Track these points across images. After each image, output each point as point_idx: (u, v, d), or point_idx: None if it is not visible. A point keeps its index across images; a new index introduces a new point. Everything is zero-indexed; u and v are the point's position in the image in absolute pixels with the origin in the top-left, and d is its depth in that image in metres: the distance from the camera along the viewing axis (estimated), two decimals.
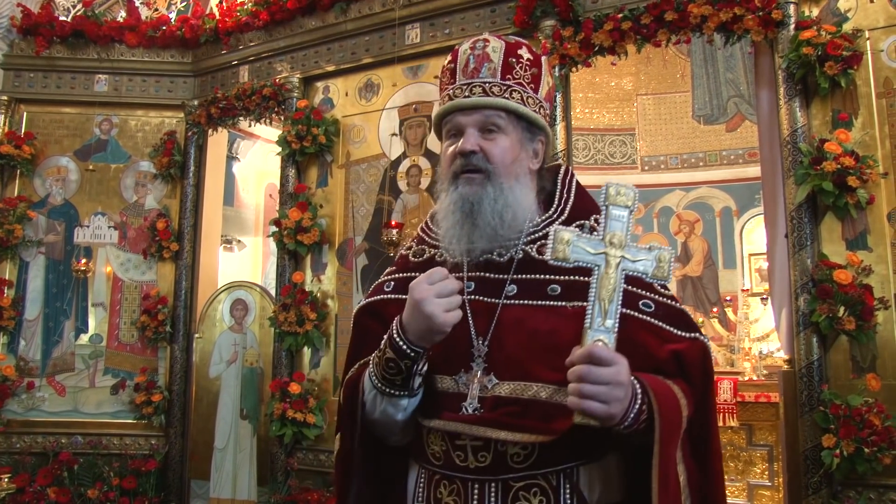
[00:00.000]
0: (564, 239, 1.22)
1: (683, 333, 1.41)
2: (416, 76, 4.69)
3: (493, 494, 1.35)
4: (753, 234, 7.29)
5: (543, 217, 1.50)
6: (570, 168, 1.65)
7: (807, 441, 3.32)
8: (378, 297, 1.59)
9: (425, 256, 1.57)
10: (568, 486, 1.34)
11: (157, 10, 5.98)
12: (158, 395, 5.10)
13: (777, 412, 4.31)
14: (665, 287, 1.43)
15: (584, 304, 1.23)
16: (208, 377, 5.07)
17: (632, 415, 1.22)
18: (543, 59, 1.56)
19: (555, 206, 1.52)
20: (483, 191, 1.41)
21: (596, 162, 7.69)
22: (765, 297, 6.15)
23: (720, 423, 4.96)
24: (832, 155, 3.34)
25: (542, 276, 1.43)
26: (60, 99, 5.57)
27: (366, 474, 1.49)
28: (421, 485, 1.47)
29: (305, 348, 4.72)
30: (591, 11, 4.00)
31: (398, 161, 4.67)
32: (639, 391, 1.24)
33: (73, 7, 5.86)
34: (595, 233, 1.26)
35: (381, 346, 1.39)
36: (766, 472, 5.13)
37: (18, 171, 5.38)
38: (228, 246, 6.77)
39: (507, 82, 1.46)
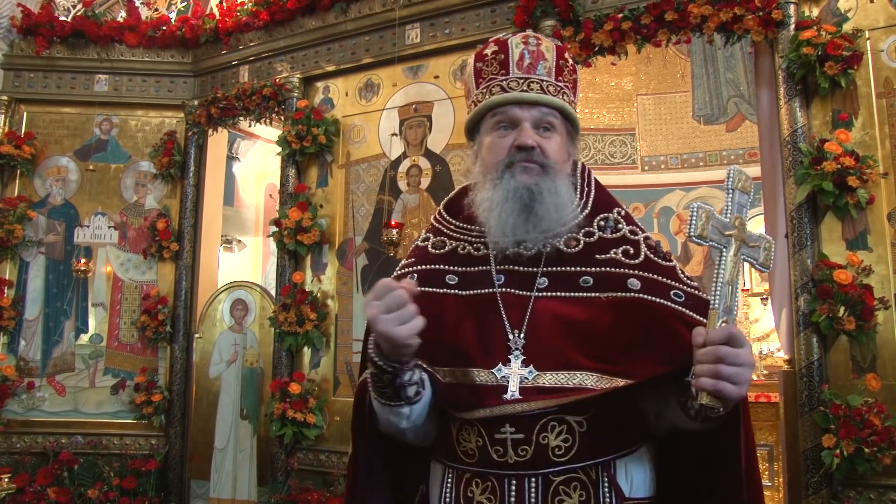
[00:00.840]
0: (705, 216, 1.20)
1: None
2: (416, 76, 4.69)
3: (533, 490, 1.32)
4: None
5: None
6: (584, 163, 1.66)
7: (807, 441, 3.32)
8: None
9: (446, 248, 1.56)
10: (606, 479, 1.34)
11: (157, 10, 5.97)
12: (158, 395, 5.09)
13: (777, 412, 4.30)
14: (689, 277, 1.47)
15: (618, 294, 1.31)
16: (208, 377, 5.07)
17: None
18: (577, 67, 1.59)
19: (577, 198, 1.52)
20: (542, 182, 1.42)
21: (596, 162, 7.67)
22: (765, 297, 6.15)
23: None
24: (832, 155, 3.34)
25: (573, 269, 1.45)
26: (60, 99, 5.56)
27: (383, 481, 1.48)
28: (448, 485, 1.43)
29: (305, 348, 4.72)
30: (591, 11, 4.00)
31: (398, 161, 4.67)
32: None
33: (73, 7, 5.86)
34: (723, 215, 1.25)
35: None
36: (767, 472, 5.13)
37: (18, 171, 5.38)
38: (228, 246, 6.77)
39: (560, 83, 1.49)
